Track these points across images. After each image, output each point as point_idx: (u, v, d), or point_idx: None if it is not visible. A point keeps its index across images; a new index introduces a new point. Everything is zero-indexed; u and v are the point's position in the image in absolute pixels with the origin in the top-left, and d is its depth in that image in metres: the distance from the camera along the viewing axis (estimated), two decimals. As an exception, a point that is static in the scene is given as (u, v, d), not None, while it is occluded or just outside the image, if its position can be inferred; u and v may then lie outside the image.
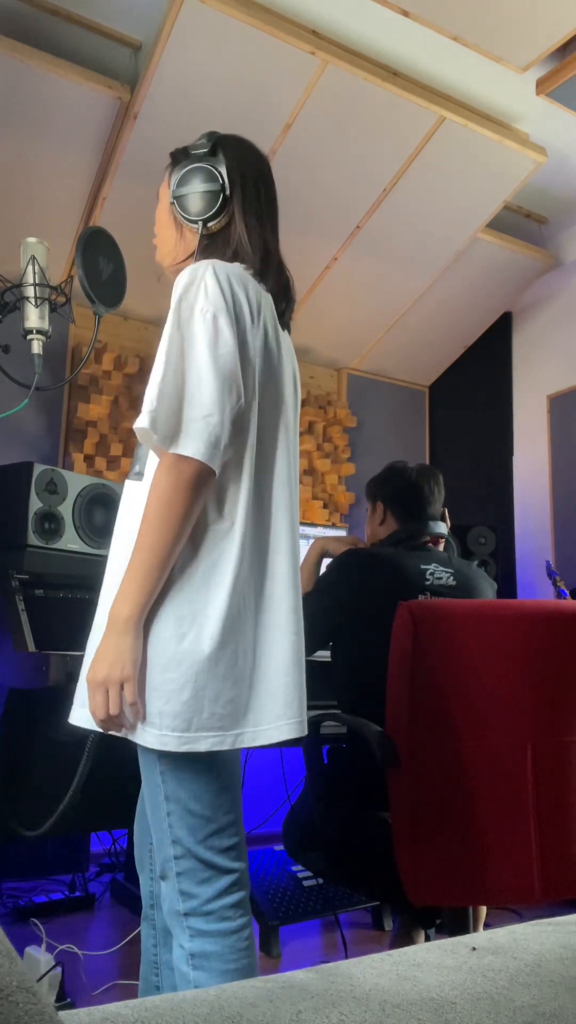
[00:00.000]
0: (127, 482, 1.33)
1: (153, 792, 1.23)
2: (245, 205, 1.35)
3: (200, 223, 1.34)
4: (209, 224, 1.34)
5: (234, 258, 1.34)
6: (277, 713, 1.23)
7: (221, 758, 1.22)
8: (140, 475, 1.29)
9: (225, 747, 1.18)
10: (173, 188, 1.37)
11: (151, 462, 1.26)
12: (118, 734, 1.20)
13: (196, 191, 1.34)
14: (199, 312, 1.21)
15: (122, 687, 1.14)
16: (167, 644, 1.17)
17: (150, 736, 1.16)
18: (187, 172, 1.35)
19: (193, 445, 1.15)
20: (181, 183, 1.36)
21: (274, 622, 1.26)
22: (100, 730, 1.20)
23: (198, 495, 1.17)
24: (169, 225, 1.41)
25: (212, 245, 1.35)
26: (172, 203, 1.37)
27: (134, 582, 1.15)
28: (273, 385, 1.34)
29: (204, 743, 1.16)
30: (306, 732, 1.25)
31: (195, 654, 1.16)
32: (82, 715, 1.23)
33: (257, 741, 1.21)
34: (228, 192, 1.34)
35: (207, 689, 1.16)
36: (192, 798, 1.20)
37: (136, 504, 1.26)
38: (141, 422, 1.16)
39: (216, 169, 1.34)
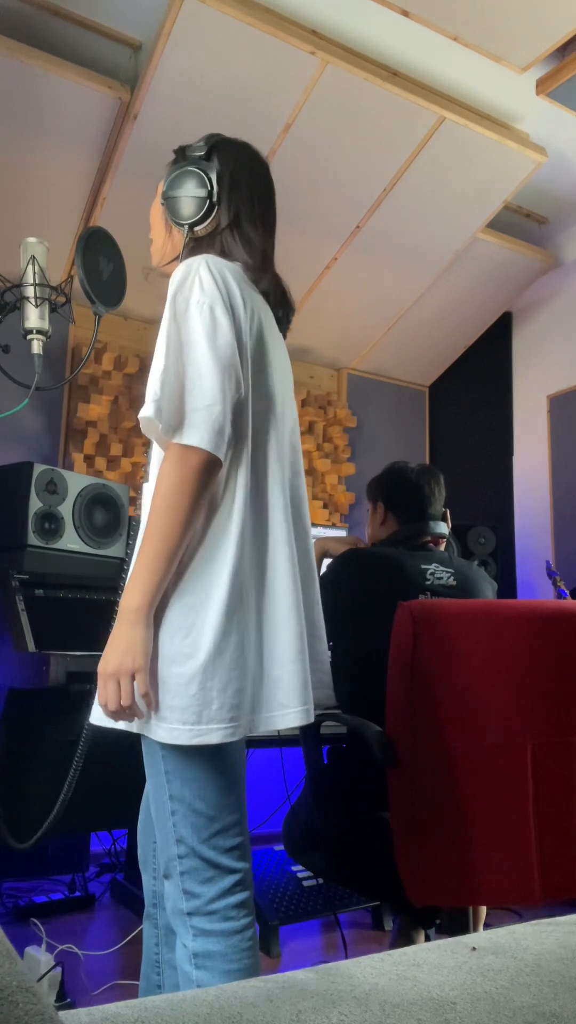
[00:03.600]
0: (144, 485, 1.33)
1: (158, 791, 1.23)
2: (235, 211, 1.36)
3: (186, 227, 1.35)
4: (195, 228, 1.35)
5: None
6: (282, 701, 1.23)
7: (226, 757, 1.23)
8: None
9: (236, 737, 1.18)
10: (164, 189, 1.38)
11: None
12: (129, 728, 1.20)
13: (184, 195, 1.35)
14: (195, 304, 1.22)
15: (133, 678, 1.14)
16: (173, 637, 1.17)
17: (161, 730, 1.16)
18: (179, 175, 1.36)
19: (198, 435, 1.16)
20: (172, 185, 1.36)
21: (276, 612, 1.26)
22: (117, 726, 1.20)
23: (205, 485, 1.18)
24: (160, 224, 1.42)
25: (198, 249, 1.36)
26: (162, 203, 1.38)
27: (144, 572, 1.16)
28: (264, 377, 1.34)
29: (215, 735, 1.16)
30: (312, 720, 1.26)
31: (200, 646, 1.17)
32: (101, 713, 1.22)
33: (263, 727, 1.22)
34: (216, 200, 1.35)
35: (215, 680, 1.16)
36: (197, 797, 1.21)
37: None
38: (146, 411, 1.16)
39: (207, 175, 1.35)
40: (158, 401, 1.16)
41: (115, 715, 1.17)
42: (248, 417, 1.27)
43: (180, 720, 1.15)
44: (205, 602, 1.19)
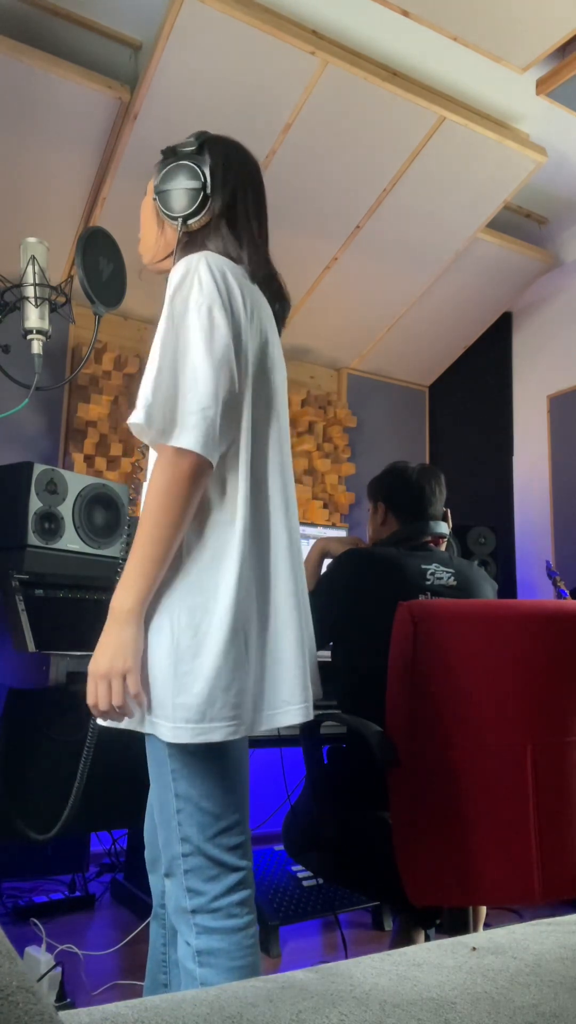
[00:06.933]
0: (145, 484, 1.34)
1: (163, 790, 1.23)
2: (227, 206, 1.35)
3: (180, 220, 1.34)
4: (189, 222, 1.35)
5: None
6: (284, 699, 1.24)
7: (231, 755, 1.23)
8: None
9: (238, 735, 1.19)
10: (156, 184, 1.37)
11: None
12: (132, 728, 1.20)
13: (177, 188, 1.34)
14: (194, 305, 1.21)
15: (124, 678, 1.15)
16: (181, 636, 1.18)
17: (164, 729, 1.17)
18: (171, 169, 1.36)
19: (191, 437, 1.16)
20: (164, 179, 1.36)
21: (277, 610, 1.27)
22: (119, 725, 1.20)
23: (196, 488, 1.18)
24: (152, 221, 1.42)
25: (192, 243, 1.35)
26: (154, 199, 1.37)
27: (135, 574, 1.16)
28: (266, 377, 1.34)
29: (218, 733, 1.17)
30: (312, 717, 1.27)
31: (208, 645, 1.17)
32: None
33: (265, 725, 1.23)
34: (209, 191, 1.34)
35: (220, 679, 1.17)
36: (203, 795, 1.21)
37: None
38: (135, 417, 1.17)
39: (200, 168, 1.34)
40: (148, 407, 1.16)
41: (105, 715, 1.18)
42: (248, 418, 1.27)
43: (184, 718, 1.16)
44: (213, 601, 1.19)
